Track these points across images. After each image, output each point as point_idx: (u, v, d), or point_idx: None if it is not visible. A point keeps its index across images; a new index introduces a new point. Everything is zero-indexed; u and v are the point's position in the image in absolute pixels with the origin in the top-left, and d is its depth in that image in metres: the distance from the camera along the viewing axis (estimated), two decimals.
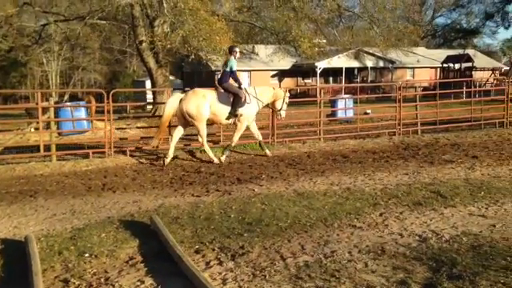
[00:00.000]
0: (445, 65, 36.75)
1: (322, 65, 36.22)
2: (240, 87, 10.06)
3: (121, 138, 12.59)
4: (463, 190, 6.84)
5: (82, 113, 14.57)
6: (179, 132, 9.95)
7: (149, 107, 26.01)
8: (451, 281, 3.79)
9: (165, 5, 18.28)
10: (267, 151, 10.56)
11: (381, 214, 5.81)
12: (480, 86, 29.80)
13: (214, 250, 4.68)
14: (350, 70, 39.51)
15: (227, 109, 9.89)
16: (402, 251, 4.54)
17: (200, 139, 9.94)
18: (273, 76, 38.59)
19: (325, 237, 5.03)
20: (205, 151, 10.10)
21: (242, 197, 6.81)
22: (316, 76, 37.40)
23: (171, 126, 10.53)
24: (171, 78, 34.99)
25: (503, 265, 4.06)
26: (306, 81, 39.98)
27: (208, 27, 17.18)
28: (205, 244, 4.83)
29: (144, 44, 21.24)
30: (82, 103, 17.57)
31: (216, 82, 10.54)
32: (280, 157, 10.37)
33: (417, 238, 4.94)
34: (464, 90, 23.16)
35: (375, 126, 14.99)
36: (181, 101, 9.73)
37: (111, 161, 10.07)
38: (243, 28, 24.70)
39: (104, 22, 24.51)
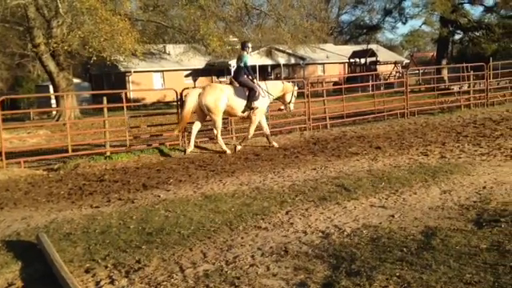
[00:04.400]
0: (351, 60, 38.43)
1: (235, 63, 36.28)
2: (253, 81, 10.56)
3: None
4: (366, 181, 7.00)
5: None
6: (197, 126, 10.50)
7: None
8: (349, 278, 3.75)
9: (59, 5, 17.10)
10: (274, 143, 10.91)
11: (287, 213, 5.74)
12: (384, 79, 31.45)
13: (106, 267, 4.29)
14: (263, 68, 39.91)
15: (243, 102, 10.38)
16: (305, 250, 4.47)
17: (215, 131, 10.40)
18: (186, 76, 37.95)
19: (229, 241, 4.83)
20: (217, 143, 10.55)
21: (146, 204, 6.44)
22: (230, 74, 37.33)
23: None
24: (77, 80, 33.12)
25: (399, 256, 4.11)
26: (220, 79, 39.78)
27: (109, 27, 16.33)
28: (97, 261, 4.43)
29: (42, 47, 19.76)
30: None
31: (232, 77, 11.14)
32: (190, 158, 10.06)
33: (320, 234, 4.91)
34: (370, 83, 24.27)
35: (287, 122, 15.16)
36: (199, 95, 10.14)
37: (3, 174, 9.17)
38: (150, 27, 23.92)
39: None
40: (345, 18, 55.63)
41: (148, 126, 14.31)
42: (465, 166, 7.66)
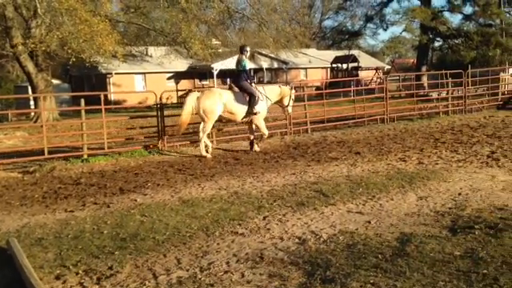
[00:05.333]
0: (334, 65, 38.69)
1: (218, 66, 36.14)
2: (251, 85, 10.58)
3: None
4: (344, 187, 7.01)
5: None
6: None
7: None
8: (324, 285, 3.73)
9: (38, 5, 16.80)
10: (257, 148, 10.86)
11: (264, 218, 5.71)
12: (366, 85, 31.74)
13: (77, 273, 4.19)
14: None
15: (243, 108, 10.35)
16: (281, 256, 4.44)
17: (201, 133, 10.36)
18: (169, 78, 37.72)
19: (204, 247, 4.77)
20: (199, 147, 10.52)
21: (121, 209, 6.34)
22: (213, 77, 37.24)
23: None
24: (57, 82, 32.63)
25: (374, 263, 4.11)
26: (203, 82, 39.65)
27: (88, 28, 16.09)
28: (68, 268, 4.33)
29: (19, 47, 19.38)
30: None
31: (231, 82, 11.06)
32: (170, 162, 9.97)
33: (296, 240, 4.89)
34: (352, 88, 24.47)
35: (268, 126, 15.14)
36: (198, 98, 10.15)
37: None
38: (131, 29, 23.67)
39: None
40: (327, 23, 56.06)
41: (128, 128, 14.16)
42: (441, 172, 7.74)
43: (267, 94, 10.87)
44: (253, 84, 10.69)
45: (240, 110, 10.36)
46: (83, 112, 10.53)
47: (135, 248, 4.77)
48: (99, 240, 5.07)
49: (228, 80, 40.93)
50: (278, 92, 11.20)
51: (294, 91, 11.71)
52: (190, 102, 10.20)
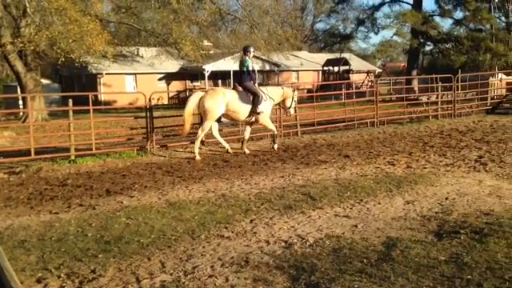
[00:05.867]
0: (325, 68, 38.83)
1: (210, 68, 36.08)
2: (255, 85, 10.71)
3: None
4: (332, 190, 7.00)
5: None
6: (215, 127, 10.69)
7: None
8: None
9: (27, 4, 16.64)
10: (246, 150, 10.85)
11: (251, 221, 5.68)
12: (357, 88, 31.86)
13: (59, 277, 4.13)
14: (238, 73, 39.90)
15: (247, 107, 10.46)
16: (266, 260, 4.41)
17: (199, 132, 10.44)
18: (160, 79, 37.57)
19: (189, 251, 4.73)
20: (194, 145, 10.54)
21: (107, 211, 6.27)
22: (205, 79, 37.18)
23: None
24: (47, 82, 32.36)
25: (359, 268, 4.09)
26: (194, 84, 39.56)
27: (78, 28, 15.97)
28: (50, 271, 4.26)
29: (8, 46, 19.18)
30: None
31: (235, 83, 11.11)
32: (158, 164, 9.90)
33: (282, 244, 4.86)
34: (343, 91, 24.55)
35: (257, 129, 15.12)
36: (201, 98, 10.22)
37: None
38: (122, 29, 23.54)
39: None
40: (320, 26, 56.22)
41: (117, 129, 14.06)
42: (429, 176, 7.76)
43: (270, 95, 11.01)
44: (256, 84, 10.88)
45: (244, 109, 10.50)
46: (71, 112, 10.43)
47: (119, 251, 4.71)
48: (83, 243, 5.01)
49: (219, 81, 40.98)
50: (280, 93, 11.37)
51: (296, 93, 11.93)
52: (193, 101, 10.30)
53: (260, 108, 10.63)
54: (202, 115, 10.48)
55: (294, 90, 11.81)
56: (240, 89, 10.64)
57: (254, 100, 10.53)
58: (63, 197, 7.30)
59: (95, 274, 4.19)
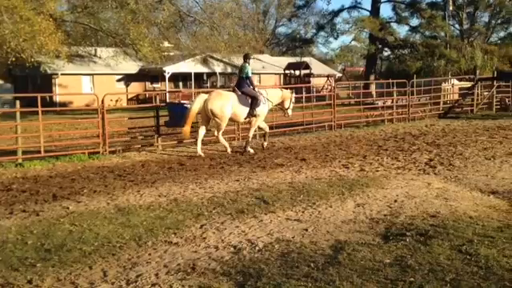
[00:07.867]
0: (286, 71, 39.12)
1: (170, 69, 35.66)
2: (254, 89, 11.12)
3: None
4: (285, 194, 6.98)
5: None
6: (203, 130, 10.85)
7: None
8: None
9: None
10: (250, 150, 11.10)
11: (201, 226, 5.57)
12: (318, 92, 32.23)
13: None
14: (199, 75, 39.62)
15: (246, 110, 10.89)
16: (213, 267, 4.32)
17: (216, 132, 10.91)
18: (119, 80, 36.79)
19: (134, 258, 4.58)
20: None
21: (51, 217, 6.01)
22: (165, 81, 36.71)
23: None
24: None
25: (305, 272, 4.06)
26: (154, 85, 38.99)
27: (29, 27, 15.39)
28: None
29: None
30: None
31: (235, 88, 11.30)
32: (110, 167, 9.62)
33: (231, 249, 4.78)
34: (303, 95, 24.74)
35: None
36: (205, 101, 10.47)
37: None
38: (77, 29, 22.90)
39: None
40: (281, 30, 56.77)
41: (70, 131, 13.62)
42: (380, 179, 7.88)
43: (269, 97, 11.42)
44: (256, 89, 11.27)
45: (243, 112, 10.91)
46: (18, 114, 10.00)
47: (59, 260, 4.50)
48: (22, 251, 4.76)
49: (180, 84, 40.56)
50: (279, 95, 11.81)
51: (294, 95, 12.32)
52: (197, 103, 10.55)
53: (257, 111, 11.05)
54: (211, 118, 10.70)
55: (292, 92, 12.21)
56: (239, 92, 10.98)
57: (253, 103, 10.94)
58: (6, 202, 6.95)
59: (31, 284, 3.98)
